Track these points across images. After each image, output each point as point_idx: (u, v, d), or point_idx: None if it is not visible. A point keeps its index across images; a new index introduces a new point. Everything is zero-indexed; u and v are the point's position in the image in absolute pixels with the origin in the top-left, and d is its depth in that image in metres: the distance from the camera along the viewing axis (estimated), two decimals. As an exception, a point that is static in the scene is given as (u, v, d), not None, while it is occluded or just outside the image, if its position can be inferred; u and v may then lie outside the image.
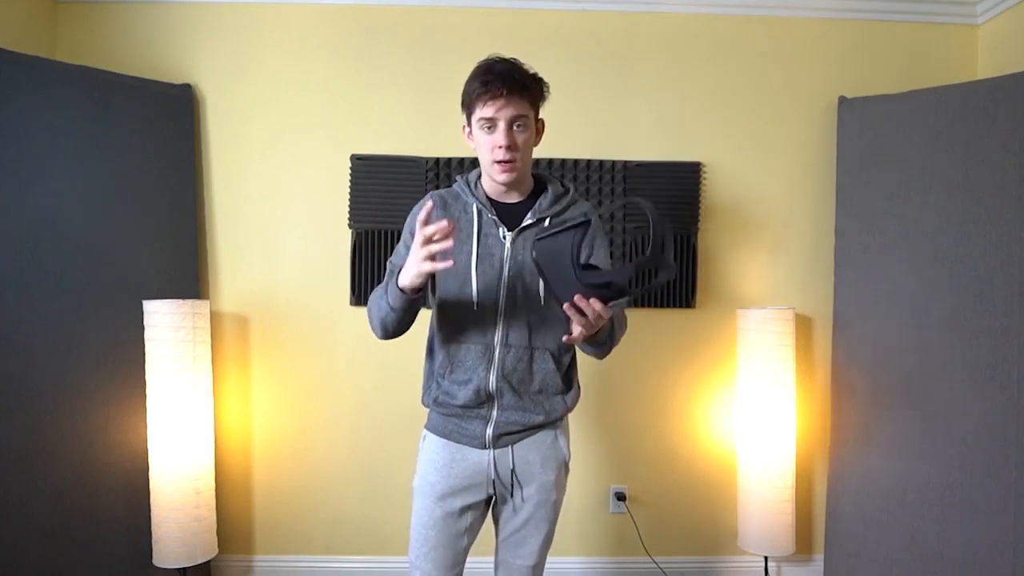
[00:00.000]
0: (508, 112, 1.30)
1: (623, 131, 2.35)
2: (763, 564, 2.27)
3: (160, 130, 2.21)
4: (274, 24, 2.31)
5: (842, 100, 2.31)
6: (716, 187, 2.37)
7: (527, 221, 1.40)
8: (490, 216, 1.40)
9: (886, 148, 2.20)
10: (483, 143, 1.35)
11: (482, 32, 2.31)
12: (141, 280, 2.15)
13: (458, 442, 1.45)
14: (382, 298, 1.35)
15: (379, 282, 1.49)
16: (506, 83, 1.29)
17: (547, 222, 1.41)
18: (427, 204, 1.23)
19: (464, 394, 1.41)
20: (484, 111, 1.31)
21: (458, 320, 1.41)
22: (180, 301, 2.02)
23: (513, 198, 1.44)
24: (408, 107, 2.32)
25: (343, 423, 2.33)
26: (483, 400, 1.42)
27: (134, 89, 2.17)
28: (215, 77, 2.31)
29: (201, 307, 2.07)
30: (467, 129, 1.40)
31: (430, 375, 1.49)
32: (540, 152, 2.30)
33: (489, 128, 1.33)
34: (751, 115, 2.37)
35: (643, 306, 2.35)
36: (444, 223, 1.18)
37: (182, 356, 2.01)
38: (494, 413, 1.42)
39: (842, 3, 2.34)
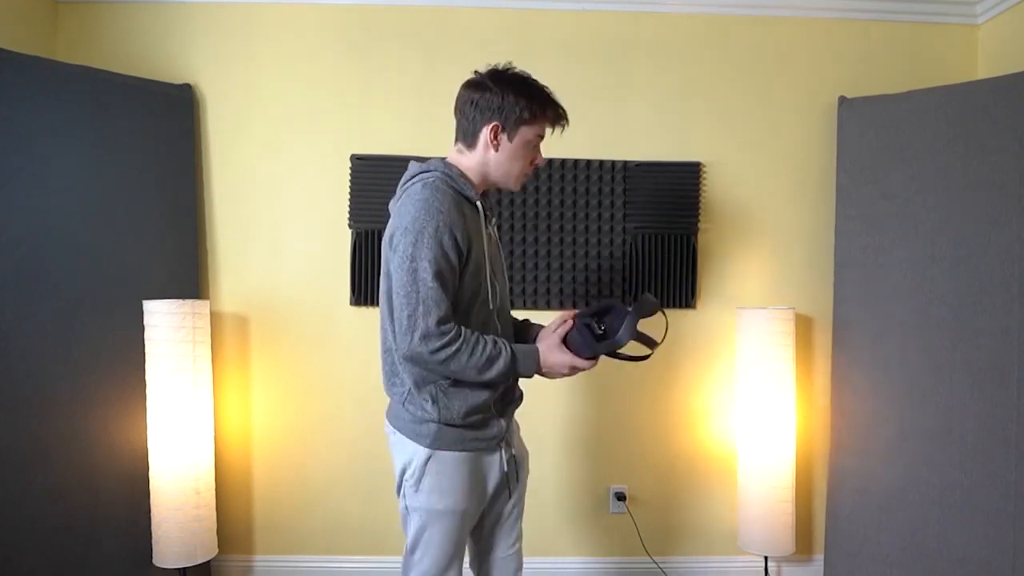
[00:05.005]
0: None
1: (623, 131, 2.35)
2: (763, 564, 2.27)
3: (160, 130, 2.21)
4: (274, 24, 2.31)
5: (842, 100, 2.31)
6: (716, 187, 2.37)
7: (493, 220, 1.51)
8: (486, 213, 1.43)
9: (886, 148, 2.20)
10: (524, 154, 1.42)
11: (483, 32, 2.31)
12: (141, 280, 2.15)
13: (476, 450, 1.40)
14: (491, 368, 1.32)
15: (379, 287, 1.42)
16: (567, 119, 1.44)
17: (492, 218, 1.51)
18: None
19: (493, 396, 1.39)
20: (543, 131, 1.42)
21: (478, 314, 1.38)
22: (180, 301, 2.02)
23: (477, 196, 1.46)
24: (408, 107, 2.32)
25: (343, 423, 2.33)
26: (506, 395, 1.45)
27: (134, 89, 2.17)
28: (215, 77, 2.31)
29: (201, 307, 2.07)
30: (500, 128, 1.37)
31: (423, 391, 1.37)
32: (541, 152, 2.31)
33: (535, 146, 1.43)
34: (751, 115, 2.37)
35: (643, 306, 2.35)
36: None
37: (182, 356, 2.01)
38: (500, 408, 1.44)
39: (842, 3, 2.34)
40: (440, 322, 1.27)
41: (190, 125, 2.28)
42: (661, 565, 2.37)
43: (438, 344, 1.27)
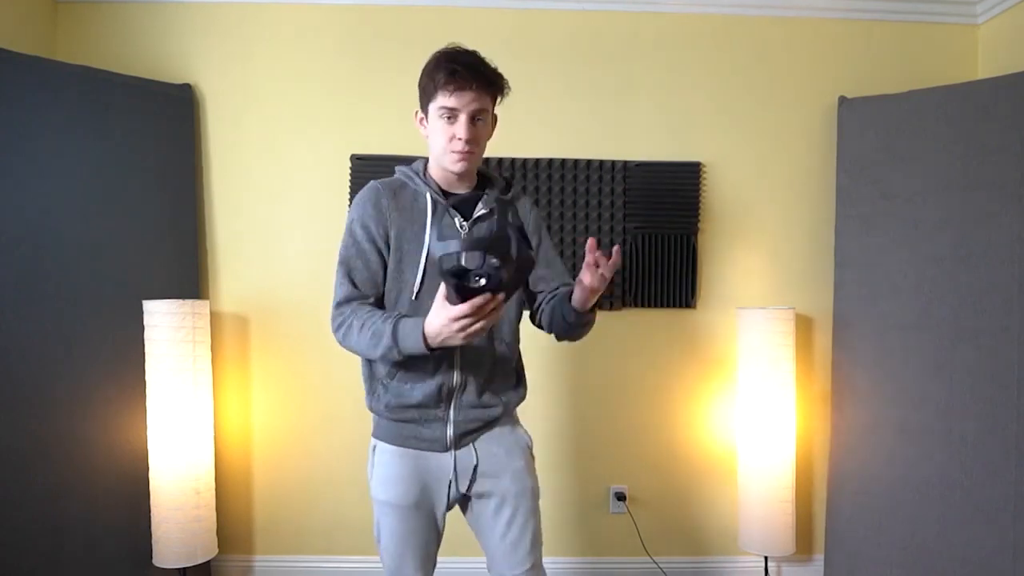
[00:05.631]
0: (472, 106, 1.30)
1: (623, 131, 2.35)
2: (763, 564, 2.27)
3: (160, 130, 2.21)
4: (274, 24, 2.31)
5: (842, 100, 2.31)
6: (716, 187, 2.37)
7: (482, 210, 1.38)
8: (444, 205, 1.38)
9: (886, 148, 2.20)
10: (440, 132, 1.32)
11: (483, 32, 2.31)
12: (141, 280, 2.15)
13: (416, 448, 1.39)
14: (378, 344, 1.26)
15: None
16: (474, 76, 1.29)
17: (509, 216, 1.40)
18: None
19: (422, 392, 1.35)
20: (447, 101, 1.29)
21: (415, 313, 1.32)
22: (180, 301, 2.02)
23: (462, 188, 1.42)
24: (408, 107, 2.29)
25: (343, 423, 2.33)
26: (443, 398, 1.36)
27: (134, 89, 2.17)
28: (215, 77, 2.31)
29: (201, 307, 2.07)
30: (420, 115, 1.38)
31: (372, 377, 1.41)
32: (541, 152, 2.31)
33: (450, 119, 1.31)
34: (751, 115, 2.37)
35: (643, 306, 2.35)
36: (494, 298, 1.11)
37: (182, 356, 2.01)
38: (451, 413, 1.37)
39: (842, 3, 2.34)
40: (338, 304, 1.38)
41: (190, 125, 2.28)
42: (661, 565, 2.37)
43: (335, 324, 1.37)
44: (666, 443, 2.39)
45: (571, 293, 1.32)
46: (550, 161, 2.30)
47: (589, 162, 2.31)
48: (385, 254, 1.38)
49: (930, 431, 2.09)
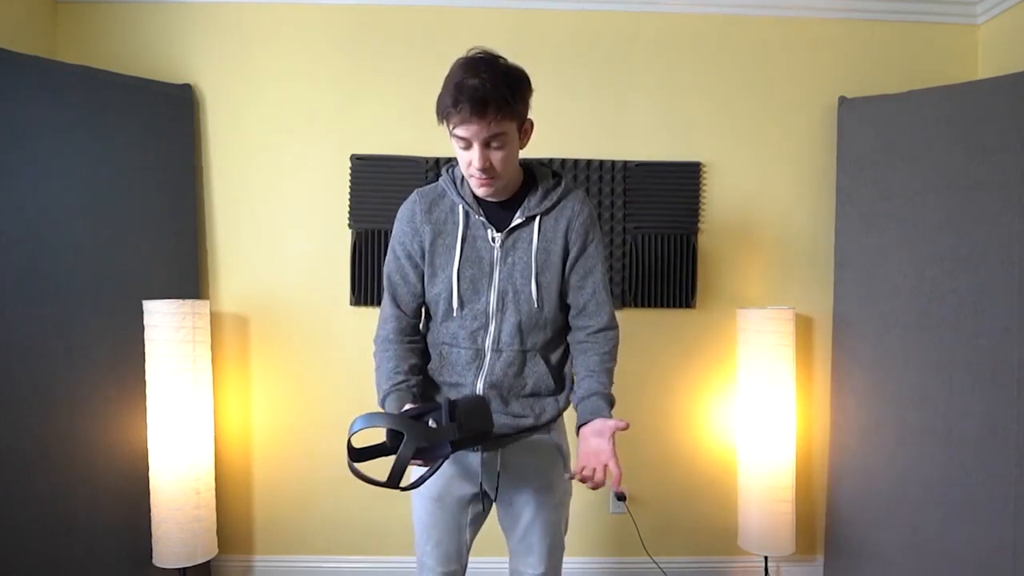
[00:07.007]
0: (482, 135, 1.22)
1: (623, 131, 2.35)
2: (763, 564, 2.27)
3: (160, 130, 2.21)
4: (274, 24, 2.31)
5: (842, 100, 2.31)
6: (716, 187, 2.37)
7: (516, 221, 1.34)
8: (478, 218, 1.35)
9: (886, 148, 2.20)
10: (460, 156, 1.29)
11: (483, 32, 2.31)
12: (141, 280, 2.15)
13: None
14: (377, 391, 1.39)
15: (379, 288, 1.47)
16: (476, 106, 1.18)
17: (537, 220, 1.35)
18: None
19: (455, 393, 1.38)
20: (458, 131, 1.23)
21: (447, 324, 1.38)
22: (180, 301, 2.02)
23: (501, 196, 1.37)
24: (408, 107, 2.32)
25: (343, 423, 2.32)
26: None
27: (134, 89, 2.17)
28: (215, 77, 2.31)
29: (201, 307, 2.07)
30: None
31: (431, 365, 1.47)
32: (541, 152, 2.31)
33: (464, 147, 1.26)
34: (751, 115, 2.37)
35: (643, 306, 2.35)
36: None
37: (182, 356, 2.01)
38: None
39: (842, 3, 2.34)
40: (382, 323, 1.44)
41: (190, 125, 2.28)
42: (661, 565, 2.37)
43: (374, 343, 1.44)
44: (666, 443, 2.39)
45: (587, 403, 1.33)
46: (550, 161, 2.30)
47: (589, 162, 2.31)
48: (423, 266, 1.39)
49: (930, 431, 2.09)
